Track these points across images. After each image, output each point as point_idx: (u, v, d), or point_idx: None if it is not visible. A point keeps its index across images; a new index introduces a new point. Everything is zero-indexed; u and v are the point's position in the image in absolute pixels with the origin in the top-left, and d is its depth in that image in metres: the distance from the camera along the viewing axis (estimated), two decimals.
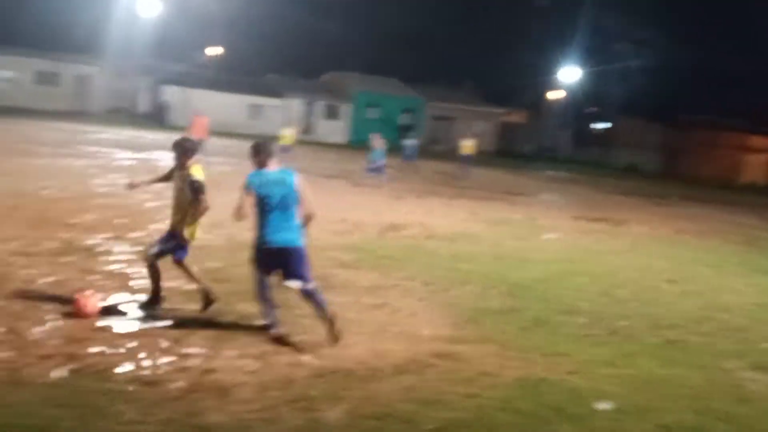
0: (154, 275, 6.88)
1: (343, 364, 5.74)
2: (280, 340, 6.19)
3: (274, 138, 27.77)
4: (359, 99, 53.29)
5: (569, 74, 54.08)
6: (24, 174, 15.19)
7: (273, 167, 6.40)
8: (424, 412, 4.99)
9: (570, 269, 10.94)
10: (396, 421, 4.82)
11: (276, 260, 6.29)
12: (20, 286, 7.02)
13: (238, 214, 6.23)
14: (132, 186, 7.38)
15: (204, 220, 10.90)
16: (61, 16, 51.34)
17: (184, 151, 6.84)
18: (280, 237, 6.23)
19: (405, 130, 38.70)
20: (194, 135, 21.61)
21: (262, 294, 6.46)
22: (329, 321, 6.24)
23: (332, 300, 7.61)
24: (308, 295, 6.34)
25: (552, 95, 58.73)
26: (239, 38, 54.94)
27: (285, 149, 26.12)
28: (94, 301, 6.45)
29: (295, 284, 6.32)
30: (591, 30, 54.32)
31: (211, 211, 12.67)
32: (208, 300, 6.89)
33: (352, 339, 6.47)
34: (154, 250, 6.87)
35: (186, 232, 6.84)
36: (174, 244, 6.87)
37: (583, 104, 58.83)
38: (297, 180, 6.33)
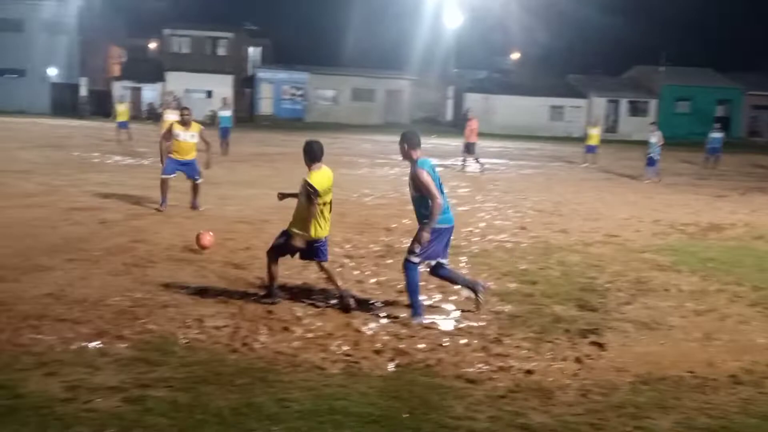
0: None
1: (670, 372, 5.44)
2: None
3: (583, 138, 27.32)
4: (667, 93, 50.42)
5: None
6: (349, 183, 16.57)
7: (419, 156, 6.63)
8: (767, 427, 4.56)
9: None
10: None
11: (447, 239, 6.78)
12: (351, 285, 7.64)
13: (439, 199, 6.44)
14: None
15: (508, 224, 11.09)
16: (373, 36, 55.28)
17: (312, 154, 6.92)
18: (452, 215, 6.87)
19: (717, 122, 35.72)
20: (468, 138, 21.81)
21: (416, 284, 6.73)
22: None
23: (652, 304, 7.32)
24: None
25: None
26: (539, 41, 54.72)
27: (591, 149, 25.52)
28: (208, 237, 8.63)
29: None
30: None
31: (518, 214, 12.77)
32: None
33: (677, 346, 6.13)
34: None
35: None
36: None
37: None
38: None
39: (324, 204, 6.75)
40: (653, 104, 50.81)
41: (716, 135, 26.24)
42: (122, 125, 25.83)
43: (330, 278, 7.00)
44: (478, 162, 21.74)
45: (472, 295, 6.90)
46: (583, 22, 61.77)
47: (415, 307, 6.61)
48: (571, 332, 6.35)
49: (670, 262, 9.37)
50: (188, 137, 11.54)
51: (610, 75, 56.04)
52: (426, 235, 6.46)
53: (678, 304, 7.39)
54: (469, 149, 21.83)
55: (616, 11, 64.07)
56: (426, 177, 6.46)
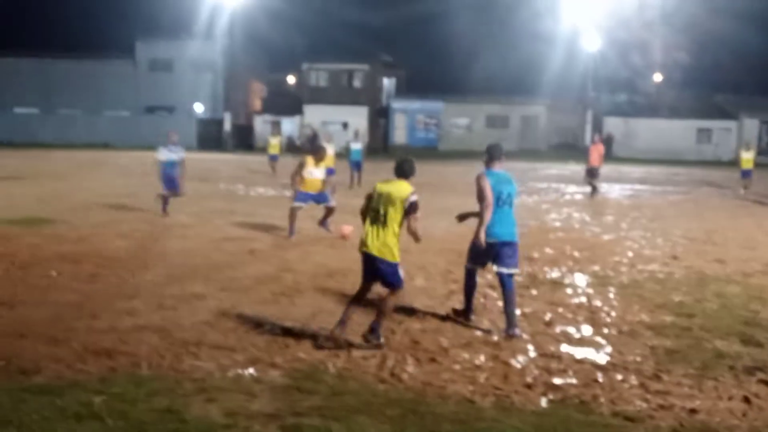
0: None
1: None
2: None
3: (734, 162, 25.95)
4: None
5: None
6: None
7: (498, 168, 7.07)
8: None
9: None
10: None
11: (495, 252, 6.95)
12: (496, 317, 7.50)
13: (490, 205, 6.84)
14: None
15: (658, 253, 10.54)
16: (506, 62, 54.99)
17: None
18: (508, 230, 6.98)
19: None
20: (591, 162, 20.95)
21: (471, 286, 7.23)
22: (512, 313, 6.93)
23: None
24: (509, 281, 6.98)
25: None
26: (683, 60, 52.55)
27: (746, 173, 24.13)
28: (347, 229, 11.53)
29: (505, 270, 7.01)
30: None
31: (668, 242, 12.19)
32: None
33: None
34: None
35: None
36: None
37: None
38: (514, 185, 7.16)
39: (373, 211, 6.44)
40: None
41: None
42: (273, 158, 27.08)
43: (380, 309, 6.51)
44: (593, 186, 21.04)
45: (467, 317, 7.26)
46: (732, 38, 58.76)
47: (465, 307, 7.27)
48: (736, 369, 5.95)
49: None
50: (317, 174, 12.09)
51: (763, 94, 52.96)
52: (478, 240, 6.92)
53: None
54: (592, 173, 21.09)
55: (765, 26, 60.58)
56: (482, 182, 6.91)
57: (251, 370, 5.68)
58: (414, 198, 6.37)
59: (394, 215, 6.33)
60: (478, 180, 6.95)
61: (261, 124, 53.89)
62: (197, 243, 11.49)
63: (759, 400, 5.35)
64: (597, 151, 21.16)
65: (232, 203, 17.32)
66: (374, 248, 6.36)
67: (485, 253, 6.99)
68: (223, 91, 54.68)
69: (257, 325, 6.89)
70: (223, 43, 52.85)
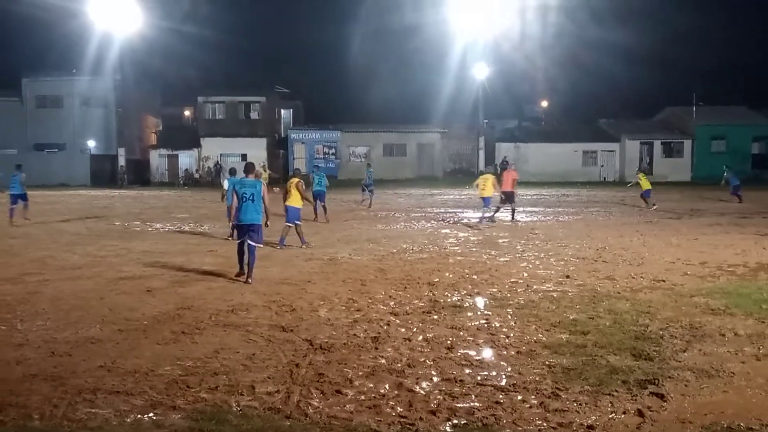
0: None
1: (736, 421, 5.25)
2: None
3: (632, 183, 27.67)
4: (702, 133, 50.06)
5: None
6: (387, 239, 16.58)
7: (251, 177, 11.38)
8: None
9: None
10: None
11: (245, 230, 11.12)
12: (399, 344, 7.57)
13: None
14: None
15: (552, 273, 10.77)
16: (402, 91, 56.10)
17: None
18: (250, 216, 11.05)
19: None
20: (503, 188, 21.41)
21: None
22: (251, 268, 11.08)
23: (709, 350, 7.14)
24: (253, 249, 11.12)
25: None
26: (566, 89, 55.05)
27: (648, 193, 25.85)
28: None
29: (252, 243, 11.10)
30: None
31: (561, 262, 12.56)
32: None
33: (740, 393, 5.94)
34: None
35: None
36: None
37: None
38: (261, 186, 11.24)
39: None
40: (688, 145, 50.42)
41: None
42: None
43: None
44: (512, 210, 21.67)
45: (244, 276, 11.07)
46: (608, 70, 62.13)
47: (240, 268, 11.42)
48: (629, 383, 6.19)
49: (722, 305, 9.15)
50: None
51: (642, 117, 55.90)
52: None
53: (736, 349, 7.19)
54: (510, 198, 21.59)
55: (640, 59, 64.38)
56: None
57: (151, 415, 5.51)
58: None
59: None
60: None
61: (157, 158, 52.83)
62: (92, 284, 11.09)
63: (652, 412, 5.56)
64: (510, 177, 21.59)
65: (128, 241, 16.83)
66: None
67: (241, 231, 11.12)
68: (116, 127, 53.27)
69: (157, 366, 6.72)
70: (114, 79, 51.60)
